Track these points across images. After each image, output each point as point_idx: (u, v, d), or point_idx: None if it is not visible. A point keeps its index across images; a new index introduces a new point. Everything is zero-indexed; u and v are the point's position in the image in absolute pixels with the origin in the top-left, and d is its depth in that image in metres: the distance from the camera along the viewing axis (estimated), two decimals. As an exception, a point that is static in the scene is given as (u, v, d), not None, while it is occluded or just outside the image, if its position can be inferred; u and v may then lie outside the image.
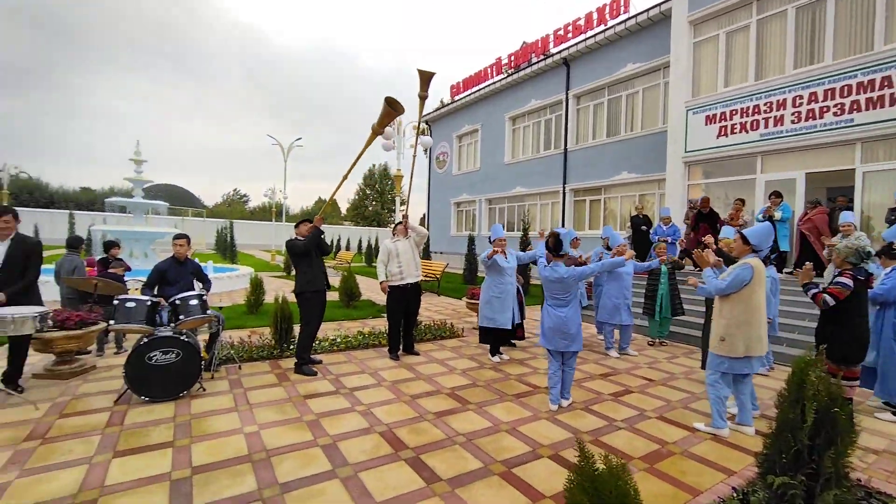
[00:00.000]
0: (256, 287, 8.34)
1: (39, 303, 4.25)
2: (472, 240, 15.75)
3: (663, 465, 3.20)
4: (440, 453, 3.26)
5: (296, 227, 5.29)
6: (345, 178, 5.20)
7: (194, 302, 4.30)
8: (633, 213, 10.94)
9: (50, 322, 3.90)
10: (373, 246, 25.02)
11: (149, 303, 4.09)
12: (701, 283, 3.91)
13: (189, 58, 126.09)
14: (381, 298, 11.19)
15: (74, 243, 5.51)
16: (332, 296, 9.09)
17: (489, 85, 20.94)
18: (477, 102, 22.14)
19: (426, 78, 5.20)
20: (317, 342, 5.91)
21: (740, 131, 10.25)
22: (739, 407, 3.83)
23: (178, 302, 4.26)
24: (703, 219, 9.41)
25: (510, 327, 5.70)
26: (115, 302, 3.99)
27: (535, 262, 5.63)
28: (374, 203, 57.22)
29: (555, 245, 4.29)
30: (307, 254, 5.08)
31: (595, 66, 15.89)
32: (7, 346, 4.12)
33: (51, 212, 32.57)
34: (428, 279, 12.33)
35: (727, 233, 5.79)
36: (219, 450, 3.19)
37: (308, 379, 4.85)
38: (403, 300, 5.81)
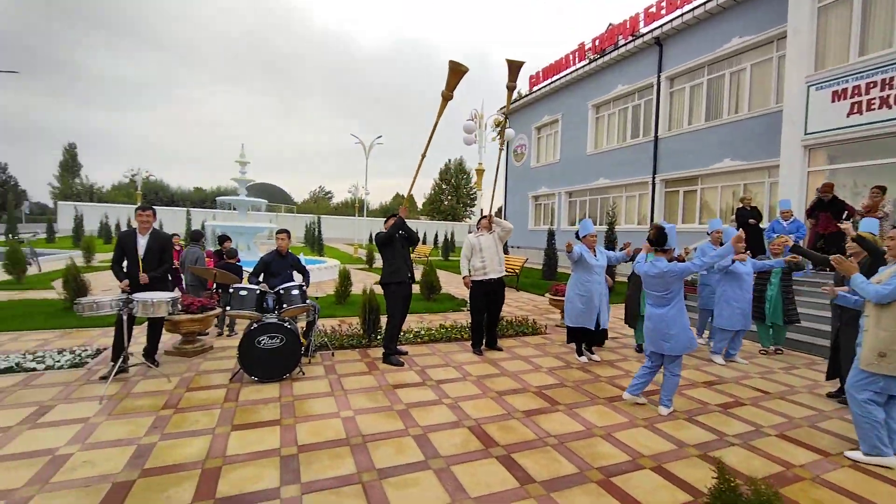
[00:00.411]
0: (344, 279, 8.81)
1: (171, 289, 4.84)
2: (551, 234, 15.26)
3: (792, 491, 2.81)
4: (532, 454, 3.17)
5: (385, 221, 5.46)
6: (423, 156, 5.23)
7: (296, 292, 4.63)
8: (739, 206, 9.81)
9: (179, 306, 4.43)
10: (448, 240, 25.29)
11: (258, 291, 4.48)
12: (842, 291, 3.37)
13: (278, 65, 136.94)
14: (461, 292, 11.29)
15: (197, 237, 6.23)
16: (413, 289, 9.35)
17: (571, 72, 20.06)
18: (557, 92, 21.34)
19: (515, 67, 5.06)
20: (402, 334, 6.09)
21: (880, 107, 8.72)
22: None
23: (282, 291, 4.61)
24: (824, 207, 8.12)
25: (593, 328, 5.38)
26: (231, 290, 4.43)
27: (630, 260, 5.28)
28: (449, 198, 57.87)
29: (657, 238, 3.98)
30: (390, 243, 5.22)
31: (693, 42, 14.49)
32: (146, 325, 4.77)
33: (172, 209, 37.35)
34: (507, 274, 12.14)
35: (868, 226, 4.92)
36: (320, 431, 3.39)
37: (395, 369, 5.00)
38: (487, 295, 5.76)
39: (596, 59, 18.39)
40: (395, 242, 5.25)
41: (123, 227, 31.22)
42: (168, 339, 5.61)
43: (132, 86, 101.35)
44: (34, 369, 4.52)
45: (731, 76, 13.67)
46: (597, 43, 18.65)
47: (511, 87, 5.21)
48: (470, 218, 60.46)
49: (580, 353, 5.62)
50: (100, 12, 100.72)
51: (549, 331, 7.20)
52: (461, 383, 4.60)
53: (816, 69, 9.85)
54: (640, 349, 6.03)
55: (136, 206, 4.68)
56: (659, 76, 15.75)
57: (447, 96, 4.85)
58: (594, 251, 5.51)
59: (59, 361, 4.71)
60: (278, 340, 4.34)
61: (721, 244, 6.03)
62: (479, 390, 4.41)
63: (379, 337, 6.03)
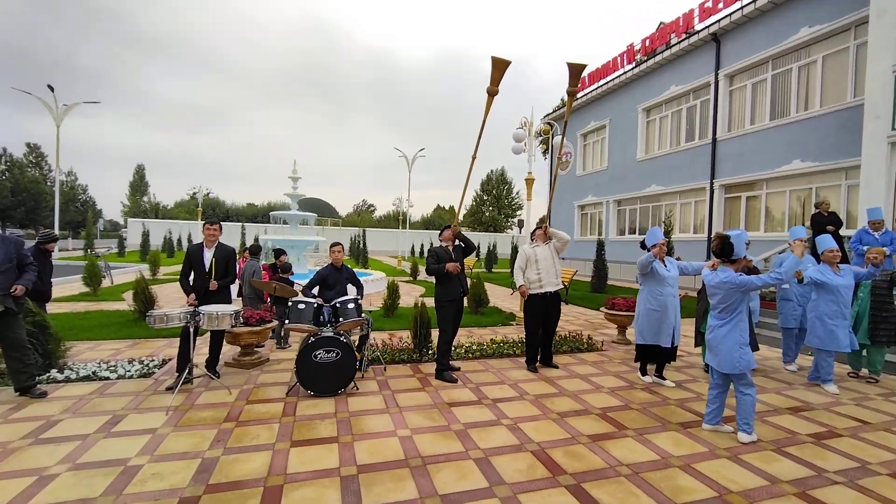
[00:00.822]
0: (393, 292, 8.82)
1: (230, 301, 4.99)
2: (601, 245, 14.68)
3: (923, 546, 2.39)
4: (604, 484, 2.91)
5: (440, 234, 5.38)
6: (474, 157, 5.12)
7: (351, 305, 4.63)
8: (815, 211, 8.97)
9: (241, 319, 4.55)
10: (491, 251, 25.01)
11: (315, 305, 4.51)
12: None
13: (325, 83, 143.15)
14: (508, 305, 11.04)
15: (256, 251, 6.43)
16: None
17: (619, 76, 19.46)
18: (605, 96, 20.76)
19: (576, 71, 4.87)
20: (452, 349, 5.95)
21: (983, 97, 7.73)
22: None
23: (338, 305, 4.62)
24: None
25: (669, 346, 4.98)
26: (290, 303, 4.48)
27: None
28: (490, 209, 57.60)
29: (721, 248, 3.67)
30: (441, 262, 5.12)
31: (755, 36, 13.62)
32: (208, 336, 4.92)
33: (227, 224, 39.59)
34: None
35: None
36: (378, 450, 3.30)
37: (449, 386, 4.86)
38: (542, 309, 5.53)
39: (646, 60, 17.72)
40: (447, 259, 5.14)
41: (185, 242, 33.46)
42: (227, 351, 5.79)
43: (192, 109, 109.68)
44: (108, 378, 4.76)
45: (800, 70, 12.70)
46: (647, 43, 18.00)
47: (571, 93, 5.01)
48: (512, 229, 59.88)
49: (644, 373, 5.24)
50: (162, 40, 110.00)
51: (606, 347, 6.82)
52: (519, 403, 4.39)
53: (903, 58, 8.92)
54: (707, 369, 5.56)
55: (204, 220, 4.87)
56: (717, 74, 14.92)
57: (492, 91, 4.73)
58: (664, 262, 5.15)
59: (129, 371, 4.94)
60: (334, 355, 4.33)
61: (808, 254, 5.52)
62: (538, 411, 4.18)
63: (430, 352, 5.93)
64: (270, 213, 14.63)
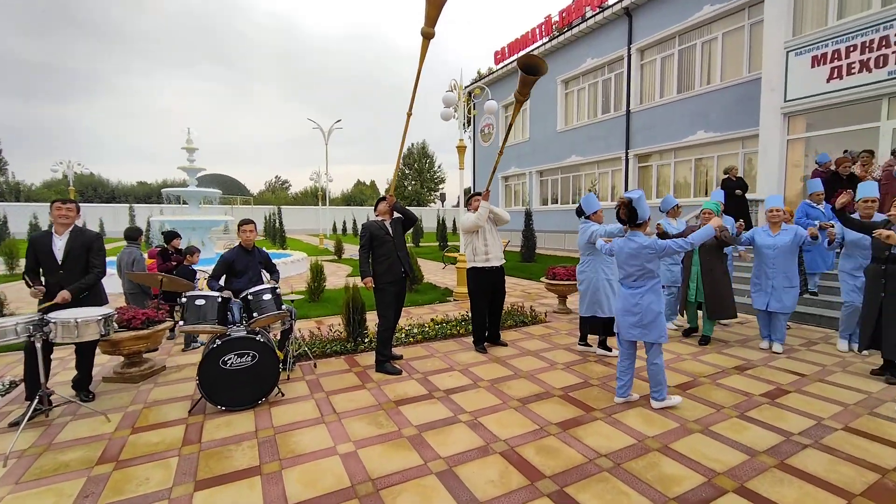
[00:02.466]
0: (317, 273, 7.88)
1: (104, 301, 3.85)
2: (529, 215, 14.77)
3: (909, 509, 2.32)
4: (590, 485, 2.54)
5: (374, 208, 4.64)
6: (409, 114, 4.41)
7: (268, 296, 3.75)
8: (724, 176, 9.56)
9: (114, 325, 3.47)
10: (418, 225, 24.40)
11: (220, 299, 3.57)
12: None
13: (227, 50, 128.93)
14: (443, 280, 10.60)
15: (133, 235, 5.13)
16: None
17: (537, 47, 19.41)
18: (524, 67, 20.66)
19: (528, 81, 4.23)
20: (392, 334, 5.33)
21: (860, 71, 8.60)
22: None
23: (250, 297, 3.72)
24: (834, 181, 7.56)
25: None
26: (183, 299, 3.49)
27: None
28: (413, 183, 56.66)
29: (628, 215, 3.46)
30: (380, 237, 4.44)
31: (663, 13, 14.14)
32: (73, 350, 3.77)
33: (113, 206, 34.29)
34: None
35: (868, 191, 4.59)
36: (315, 478, 2.61)
37: (393, 379, 4.25)
38: (489, 285, 5.10)
39: (563, 33, 17.81)
40: (384, 236, 4.45)
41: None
42: (106, 363, 4.60)
43: (68, 75, 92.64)
44: (-80, 417, 3.45)
45: (703, 46, 13.45)
46: (564, 15, 18.05)
47: (520, 101, 4.47)
48: (434, 203, 59.51)
49: (587, 343, 5.07)
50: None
51: (549, 318, 6.64)
52: (474, 392, 3.92)
53: (795, 34, 9.65)
54: (688, 333, 5.63)
55: (52, 200, 3.63)
56: (629, 48, 15.38)
57: (427, 33, 3.81)
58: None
59: (-44, 404, 3.64)
60: (249, 358, 3.49)
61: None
62: (497, 399, 3.75)
63: (367, 340, 5.25)
64: (162, 190, 12.50)
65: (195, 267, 5.49)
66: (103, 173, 54.85)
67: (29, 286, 3.45)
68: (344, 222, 37.20)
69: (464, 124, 8.72)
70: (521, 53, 20.36)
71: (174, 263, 5.68)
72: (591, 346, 5.06)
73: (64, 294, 3.45)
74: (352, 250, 19.70)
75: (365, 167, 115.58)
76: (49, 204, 3.63)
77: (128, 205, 31.88)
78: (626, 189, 15.77)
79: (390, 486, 2.53)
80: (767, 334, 5.15)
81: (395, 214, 4.70)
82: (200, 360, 3.37)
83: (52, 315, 3.13)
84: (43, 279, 3.57)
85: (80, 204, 3.71)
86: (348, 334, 5.23)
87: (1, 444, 3.03)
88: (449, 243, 20.68)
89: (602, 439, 3.06)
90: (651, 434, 3.13)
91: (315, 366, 4.60)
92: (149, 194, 49.12)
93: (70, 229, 3.64)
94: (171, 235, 5.56)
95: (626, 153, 15.79)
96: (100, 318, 3.19)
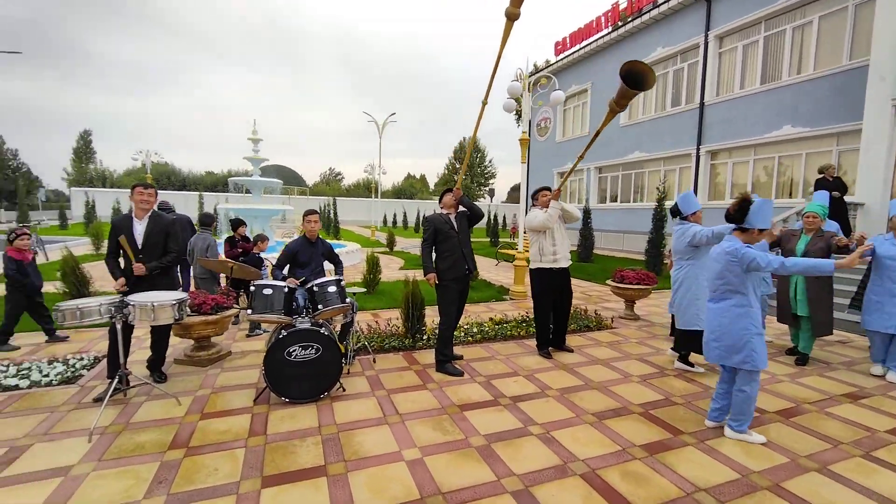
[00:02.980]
0: (373, 265, 7.86)
1: (178, 285, 3.94)
2: (587, 213, 14.12)
3: None
4: (691, 526, 2.21)
5: (439, 200, 4.46)
6: (484, 103, 4.13)
7: (333, 289, 3.67)
8: (819, 176, 8.55)
9: (188, 309, 3.52)
10: (469, 221, 24.12)
11: (286, 289, 3.52)
12: None
13: (288, 47, 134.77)
14: (497, 278, 10.30)
15: (207, 221, 5.28)
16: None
17: (602, 36, 18.49)
18: (587, 58, 19.78)
19: (628, 94, 3.68)
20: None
21: None
22: None
23: (315, 288, 3.66)
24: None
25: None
26: (252, 288, 3.48)
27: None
28: (464, 177, 56.45)
29: (737, 210, 2.95)
30: (449, 235, 4.23)
31: (749, -5, 12.90)
32: (150, 330, 3.88)
33: (184, 193, 36.70)
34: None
35: None
36: (382, 486, 2.46)
37: (455, 380, 4.06)
38: (555, 287, 4.78)
39: (632, 20, 16.80)
40: (448, 230, 4.25)
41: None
42: (178, 344, 4.75)
43: (146, 70, 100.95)
44: (16, 387, 3.67)
45: (794, 32, 12.14)
46: (633, 1, 17.01)
47: (616, 111, 3.92)
48: (484, 197, 58.90)
49: (690, 364, 4.49)
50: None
51: (616, 324, 6.19)
52: (543, 401, 3.64)
53: (915, 14, 8.41)
54: (792, 352, 4.98)
55: (133, 184, 3.72)
56: (706, 35, 14.20)
57: (513, 14, 3.51)
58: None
59: (47, 376, 3.86)
60: (313, 351, 3.42)
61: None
62: (569, 412, 3.45)
63: (425, 337, 5.10)
64: (229, 179, 13.09)
65: (262, 255, 5.57)
66: (175, 163, 59.10)
67: (114, 277, 3.55)
68: (395, 215, 37.71)
69: (521, 117, 8.35)
70: (584, 43, 19.48)
71: (240, 251, 5.82)
72: (693, 366, 4.46)
73: (140, 267, 3.53)
74: (403, 243, 19.82)
75: (416, 161, 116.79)
76: (130, 189, 3.72)
77: (197, 192, 34.03)
78: (697, 188, 14.67)
79: (463, 503, 2.33)
80: (882, 359, 4.45)
81: (460, 208, 4.50)
82: (266, 350, 3.34)
83: (131, 298, 3.20)
84: (122, 262, 3.69)
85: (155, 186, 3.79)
86: (406, 330, 5.10)
87: (87, 418, 3.15)
88: (500, 239, 20.32)
89: (697, 469, 2.69)
90: (756, 468, 2.72)
91: (374, 361, 4.51)
92: (215, 183, 52.29)
93: (149, 214, 3.73)
94: (237, 223, 5.68)
95: (698, 149, 14.66)
96: (174, 302, 3.22)
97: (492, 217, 20.88)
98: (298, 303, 3.65)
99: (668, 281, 4.93)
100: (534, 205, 5.04)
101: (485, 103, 4.12)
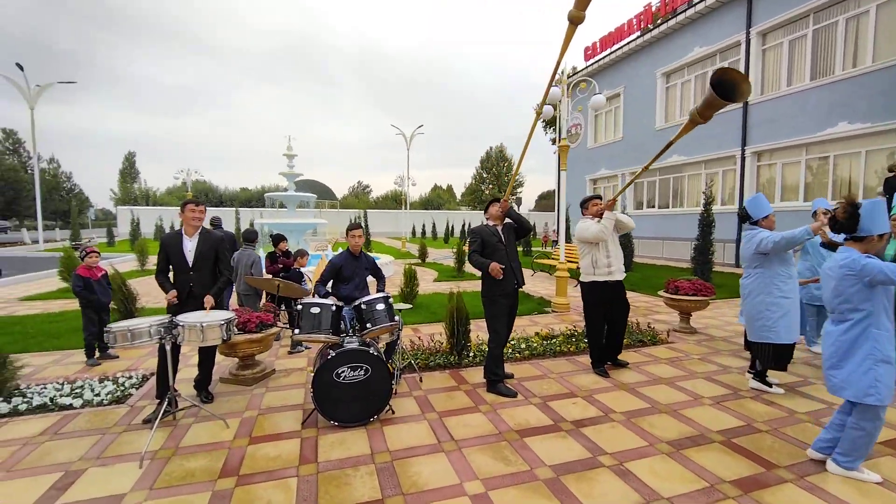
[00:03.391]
0: (410, 278, 7.73)
1: (226, 305, 3.89)
2: (625, 220, 13.59)
3: None
4: (814, 586, 1.88)
5: (485, 211, 4.27)
6: (538, 112, 3.94)
7: (381, 306, 3.52)
8: (889, 174, 7.88)
9: (234, 329, 3.44)
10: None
11: (334, 308, 3.39)
12: None
13: (311, 63, 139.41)
14: (535, 289, 9.98)
15: (251, 237, 5.27)
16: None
17: (634, 39, 18.04)
18: (619, 62, 19.35)
19: (716, 105, 3.25)
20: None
21: None
22: None
23: (363, 306, 3.51)
24: None
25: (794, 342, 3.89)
26: (299, 307, 3.37)
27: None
28: (490, 186, 56.25)
29: (849, 220, 2.54)
30: (496, 248, 4.02)
31: (795, -13, 12.27)
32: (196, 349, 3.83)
33: (221, 209, 38.05)
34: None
35: None
36: (448, 526, 2.25)
37: (509, 402, 3.81)
38: (609, 300, 4.48)
39: (666, 21, 16.31)
40: (496, 243, 4.04)
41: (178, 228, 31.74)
42: (222, 361, 4.71)
43: (180, 92, 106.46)
44: (70, 406, 3.67)
45: (847, 23, 11.43)
46: (666, 3, 16.54)
47: (697, 122, 3.54)
48: (513, 207, 58.28)
49: (768, 383, 4.04)
50: (148, 20, 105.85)
51: (671, 338, 5.79)
52: (608, 426, 3.35)
53: None
54: None
55: (184, 201, 3.70)
56: (748, 33, 13.60)
57: (577, 18, 3.28)
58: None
59: (98, 395, 3.86)
60: (363, 372, 3.26)
61: None
62: (641, 439, 3.14)
63: (471, 354, 4.88)
64: (265, 194, 13.35)
65: (302, 269, 5.52)
66: (213, 180, 61.56)
67: (163, 288, 3.54)
68: (423, 226, 37.80)
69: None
70: (616, 47, 19.04)
71: (280, 266, 5.79)
72: (771, 385, 4.03)
73: (209, 299, 3.50)
74: (434, 254, 19.73)
75: (439, 171, 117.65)
76: (180, 205, 3.70)
77: (234, 208, 35.20)
78: (743, 191, 13.93)
79: (540, 549, 2.08)
80: None
81: (506, 220, 4.29)
82: (314, 372, 3.20)
83: (181, 318, 3.14)
84: (171, 276, 3.66)
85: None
86: (451, 346, 4.90)
87: (138, 441, 3.09)
88: (532, 248, 19.92)
89: (804, 513, 2.35)
90: (875, 512, 2.35)
91: (420, 380, 4.31)
92: (249, 199, 54.05)
93: (199, 231, 3.70)
94: (278, 238, 5.66)
95: (742, 151, 13.96)
96: (222, 322, 3.14)
97: (534, 226, 20.50)
98: (345, 321, 3.50)
99: (724, 291, 4.55)
100: (584, 214, 4.77)
101: (539, 112, 3.92)
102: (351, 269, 4.23)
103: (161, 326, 3.03)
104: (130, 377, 4.32)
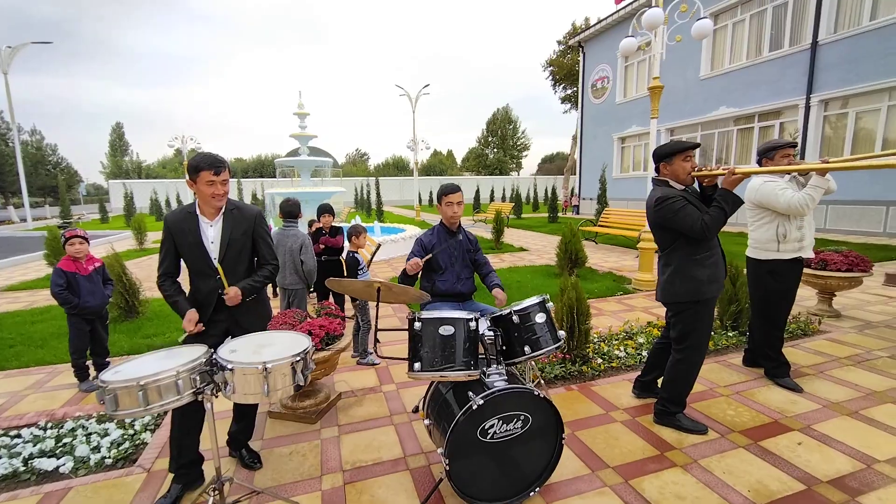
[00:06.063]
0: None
1: (268, 308, 2.60)
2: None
3: None
4: None
5: (664, 160, 2.92)
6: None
7: (541, 317, 2.22)
8: None
9: (312, 365, 2.11)
10: (517, 195, 22.25)
11: (473, 323, 2.09)
12: None
13: (313, 25, 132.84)
14: (600, 264, 8.57)
15: (293, 210, 3.82)
16: (545, 258, 6.71)
17: (676, -25, 15.97)
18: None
19: None
20: (601, 343, 3.70)
21: None
22: None
23: (515, 318, 2.20)
24: None
25: None
26: (417, 324, 2.06)
27: None
28: (496, 150, 54.04)
29: None
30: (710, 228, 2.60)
31: None
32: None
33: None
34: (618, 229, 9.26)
35: None
36: None
37: (701, 441, 2.59)
38: (794, 282, 3.25)
39: (717, -50, 14.29)
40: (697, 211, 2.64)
41: (174, 202, 29.79)
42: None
43: (170, 60, 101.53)
44: (56, 473, 2.45)
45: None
46: (718, -73, 14.44)
47: None
48: (517, 172, 56.13)
49: None
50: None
51: (824, 327, 4.58)
52: (889, 489, 2.15)
53: None
54: None
55: (193, 164, 2.27)
56: (821, -42, 11.72)
57: None
58: None
59: (97, 449, 2.63)
60: (520, 424, 2.02)
61: None
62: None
63: (598, 359, 3.66)
64: (276, 160, 11.84)
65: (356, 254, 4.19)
66: (207, 148, 59.13)
67: (176, 308, 2.24)
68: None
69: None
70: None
71: (321, 247, 4.48)
72: None
73: (234, 294, 2.22)
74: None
75: (442, 136, 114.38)
76: (188, 172, 2.26)
77: (235, 179, 33.37)
78: (804, 145, 12.46)
79: None
80: None
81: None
82: (449, 431, 1.94)
83: (226, 357, 1.82)
84: (181, 283, 2.33)
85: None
86: (569, 351, 3.66)
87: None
88: (559, 214, 18.58)
89: None
90: None
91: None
92: (245, 170, 51.86)
93: (222, 211, 2.34)
94: (322, 209, 4.30)
95: (808, 99, 12.37)
96: (299, 357, 1.84)
97: (545, 191, 19.04)
98: (485, 344, 2.19)
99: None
100: (765, 165, 3.35)
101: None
102: (447, 255, 2.93)
103: (195, 372, 1.74)
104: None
